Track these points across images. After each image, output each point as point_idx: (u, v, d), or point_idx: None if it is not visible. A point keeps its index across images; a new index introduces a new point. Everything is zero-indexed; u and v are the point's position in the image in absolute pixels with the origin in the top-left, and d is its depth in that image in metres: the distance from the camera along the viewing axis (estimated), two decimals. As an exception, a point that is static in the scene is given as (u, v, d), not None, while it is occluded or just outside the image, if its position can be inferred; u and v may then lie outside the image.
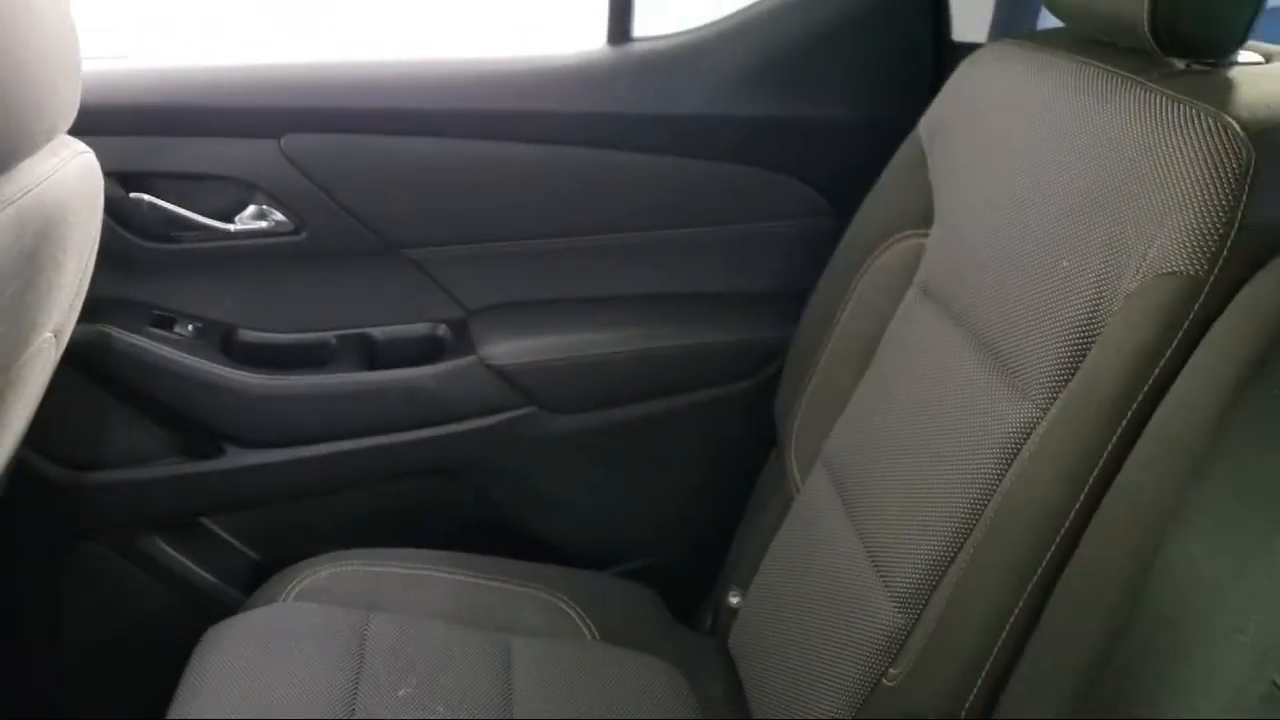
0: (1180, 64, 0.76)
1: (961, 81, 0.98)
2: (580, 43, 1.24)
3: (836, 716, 0.84)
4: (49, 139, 0.81)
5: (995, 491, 0.74)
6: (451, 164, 1.20)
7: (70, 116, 0.83)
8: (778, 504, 1.09)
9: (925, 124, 1.02)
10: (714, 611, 1.17)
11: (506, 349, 1.24)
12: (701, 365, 1.27)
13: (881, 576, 0.83)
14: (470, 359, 1.23)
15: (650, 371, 1.26)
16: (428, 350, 1.25)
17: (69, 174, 0.84)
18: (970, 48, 1.02)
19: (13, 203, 0.73)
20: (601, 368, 1.25)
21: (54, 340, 0.90)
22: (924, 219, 0.99)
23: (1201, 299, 0.64)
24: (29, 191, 0.76)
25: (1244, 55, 0.77)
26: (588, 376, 1.26)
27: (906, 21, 1.20)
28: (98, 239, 0.95)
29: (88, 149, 0.90)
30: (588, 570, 1.22)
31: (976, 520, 0.75)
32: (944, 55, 1.15)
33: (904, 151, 1.04)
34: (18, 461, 0.99)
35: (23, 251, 0.75)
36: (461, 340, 1.25)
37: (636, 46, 1.24)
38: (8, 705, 1.26)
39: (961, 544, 0.75)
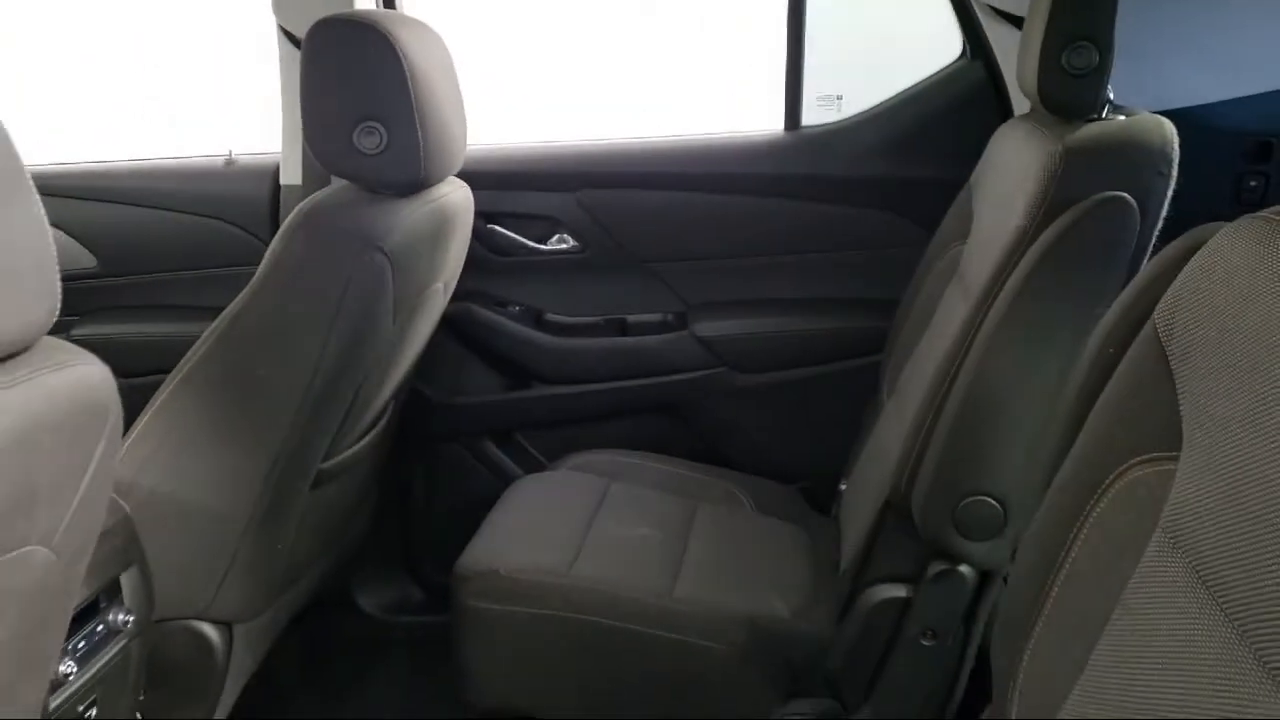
0: (1079, 122, 1.26)
1: (990, 143, 1.52)
2: (765, 128, 1.88)
3: (870, 523, 1.37)
4: (450, 173, 1.41)
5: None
6: (680, 208, 1.86)
7: (459, 164, 1.38)
8: (872, 420, 1.63)
9: (975, 174, 1.55)
10: (835, 499, 1.72)
11: (709, 327, 1.86)
12: (838, 344, 1.84)
13: (900, 425, 1.37)
14: (685, 333, 1.87)
15: (803, 347, 1.85)
16: (659, 327, 1.90)
17: (458, 195, 1.46)
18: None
19: (433, 201, 1.36)
20: (770, 342, 1.86)
21: (442, 289, 1.51)
22: (966, 234, 1.52)
23: (1028, 238, 1.17)
24: (441, 198, 1.39)
25: (1116, 115, 1.27)
26: (761, 348, 1.86)
27: (984, 107, 1.74)
28: (468, 241, 1.57)
29: (466, 185, 1.51)
30: (755, 475, 1.80)
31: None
32: (1007, 129, 1.67)
33: (961, 195, 1.57)
34: (411, 388, 1.70)
35: (436, 229, 1.37)
36: (681, 322, 1.89)
37: (804, 131, 1.87)
38: (405, 544, 1.98)
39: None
